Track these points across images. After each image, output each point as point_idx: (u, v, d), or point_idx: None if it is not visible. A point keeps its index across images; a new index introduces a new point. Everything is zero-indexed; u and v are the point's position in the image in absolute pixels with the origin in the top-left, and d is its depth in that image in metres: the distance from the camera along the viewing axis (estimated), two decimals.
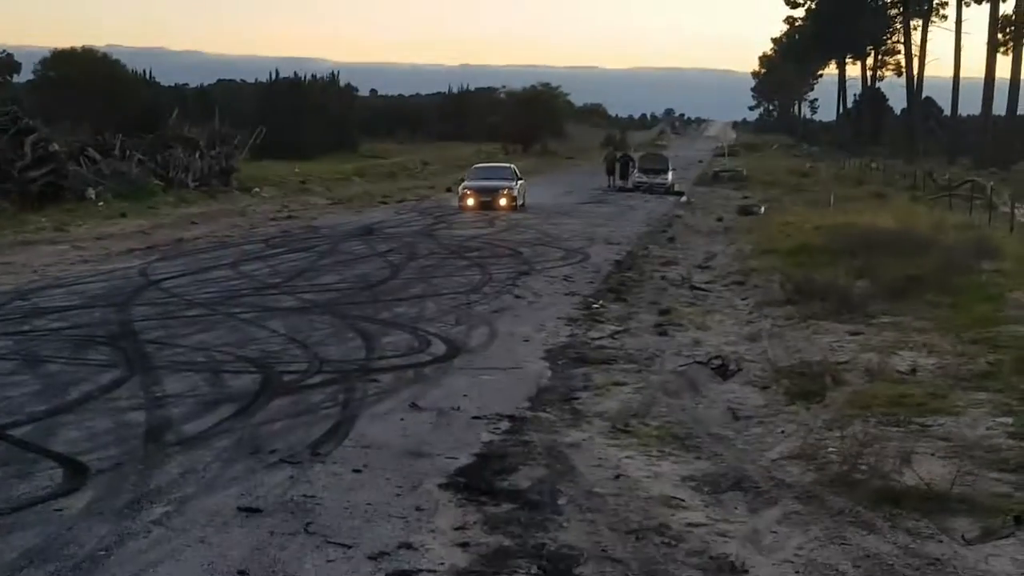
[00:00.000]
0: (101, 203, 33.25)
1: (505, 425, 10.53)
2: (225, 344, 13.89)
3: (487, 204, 37.86)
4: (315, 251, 25.19)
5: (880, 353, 13.66)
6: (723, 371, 13.11)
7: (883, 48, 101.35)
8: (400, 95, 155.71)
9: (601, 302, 18.71)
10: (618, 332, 15.94)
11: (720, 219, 36.93)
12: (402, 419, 10.59)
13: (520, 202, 39.27)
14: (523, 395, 11.78)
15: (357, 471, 8.91)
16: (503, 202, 38.03)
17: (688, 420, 11.01)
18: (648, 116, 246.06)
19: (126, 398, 11.09)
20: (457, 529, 7.77)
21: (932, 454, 9.47)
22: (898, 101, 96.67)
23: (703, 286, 21.02)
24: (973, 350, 13.80)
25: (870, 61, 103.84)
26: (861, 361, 13.23)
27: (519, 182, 40.48)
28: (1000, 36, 73.57)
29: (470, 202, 38.12)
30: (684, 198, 47.24)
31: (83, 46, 72.76)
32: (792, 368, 12.94)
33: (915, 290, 18.14)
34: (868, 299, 17.79)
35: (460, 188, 39.95)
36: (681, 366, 13.49)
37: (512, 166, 43.94)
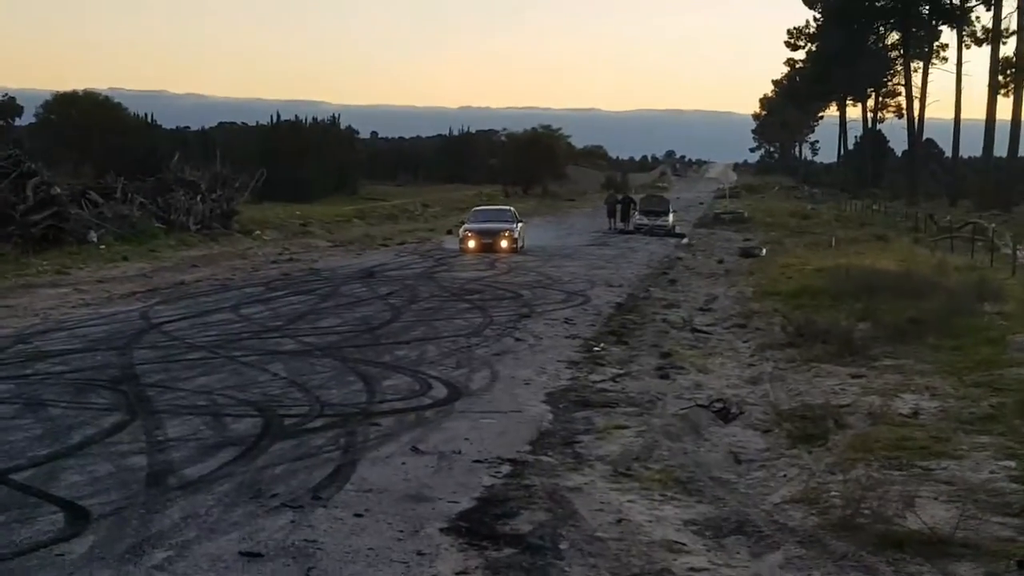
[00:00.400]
0: (103, 246, 33.31)
1: (506, 469, 10.50)
2: (226, 387, 13.87)
3: (488, 246, 37.96)
4: (316, 294, 25.20)
5: (882, 396, 13.64)
6: (725, 414, 13.09)
7: (884, 90, 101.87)
8: (401, 137, 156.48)
9: (602, 345, 18.69)
10: (619, 375, 15.92)
11: (721, 261, 36.98)
12: (403, 463, 10.57)
13: (521, 244, 39.38)
14: (524, 439, 11.76)
15: (358, 515, 8.88)
16: (504, 244, 38.27)
17: (690, 464, 10.98)
18: (649, 158, 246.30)
19: (128, 442, 11.06)
20: (459, 574, 7.75)
21: (935, 498, 9.44)
22: (899, 143, 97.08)
23: (704, 329, 21.02)
24: (976, 393, 13.77)
25: (871, 103, 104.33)
26: (863, 404, 13.21)
27: (519, 224, 40.64)
28: (1000, 78, 73.76)
29: (471, 244, 38.30)
30: (685, 240, 47.34)
31: (85, 89, 73.20)
32: (794, 411, 12.91)
33: (917, 333, 18.14)
34: (870, 342, 17.78)
35: (461, 231, 40.12)
36: (683, 409, 13.46)
37: (512, 208, 44.09)
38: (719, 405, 13.49)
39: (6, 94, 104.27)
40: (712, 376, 16.01)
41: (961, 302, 20.71)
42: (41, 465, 10.17)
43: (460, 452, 11.04)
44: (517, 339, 19.04)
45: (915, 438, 11.50)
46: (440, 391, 14.10)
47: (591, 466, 10.75)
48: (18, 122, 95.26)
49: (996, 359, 15.94)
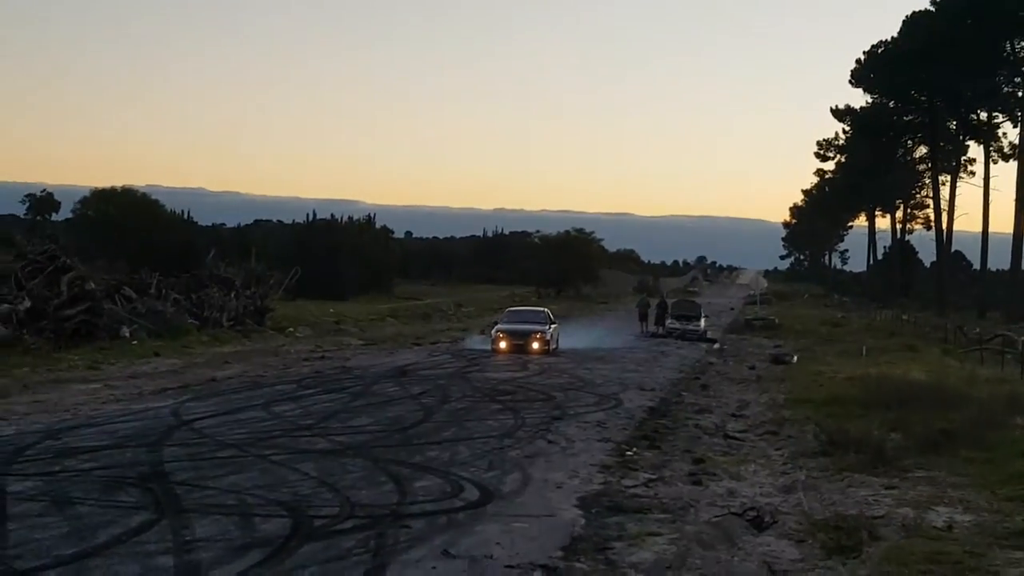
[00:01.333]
0: (135, 341, 33.46)
1: (539, 575, 10.41)
2: (256, 487, 13.81)
3: (520, 347, 37.98)
4: (348, 392, 25.18)
5: (916, 508, 13.52)
6: (758, 523, 12.95)
7: (912, 202, 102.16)
8: (435, 237, 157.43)
9: (635, 449, 18.58)
10: (652, 480, 15.80)
11: (753, 367, 36.86)
12: (434, 567, 10.47)
13: (553, 346, 39.24)
14: (556, 544, 11.65)
15: None
16: (535, 346, 38.11)
17: (723, 573, 10.86)
18: (680, 263, 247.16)
19: (155, 541, 11.00)
20: None
21: None
22: (928, 254, 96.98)
23: (737, 435, 20.89)
24: (1009, 507, 13.61)
25: (900, 214, 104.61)
26: (897, 516, 13.08)
27: (552, 326, 40.43)
28: None
29: (503, 345, 38.25)
30: (716, 345, 47.24)
31: (123, 186, 73.80)
32: (828, 521, 12.77)
33: (949, 444, 17.98)
34: (902, 452, 17.64)
35: (493, 331, 39.97)
36: (716, 517, 13.33)
37: (546, 310, 44.09)
38: (752, 513, 13.35)
39: (44, 190, 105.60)
40: (745, 483, 15.88)
41: (992, 414, 20.52)
42: (67, 564, 10.11)
43: (492, 557, 10.94)
44: (549, 441, 18.95)
45: (950, 552, 11.35)
46: (472, 493, 14.01)
47: (624, 574, 10.64)
48: (55, 217, 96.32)
49: None
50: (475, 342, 41.93)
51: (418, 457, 16.65)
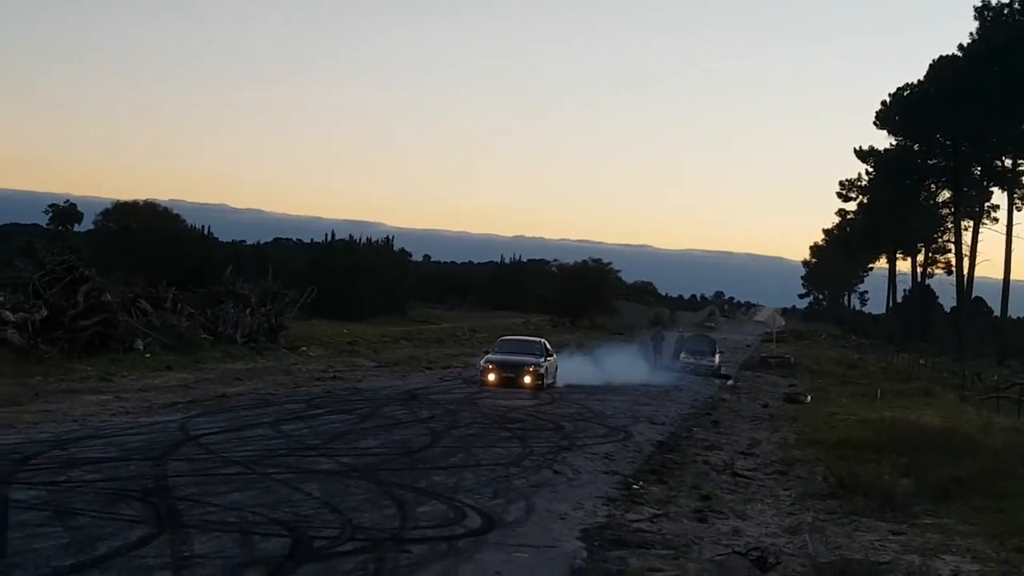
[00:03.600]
0: (148, 355, 33.48)
1: None
2: (258, 505, 13.76)
3: (510, 380, 34.96)
4: (357, 414, 25.15)
5: (922, 555, 13.40)
6: (762, 563, 12.84)
7: (934, 246, 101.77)
8: (453, 262, 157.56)
9: (641, 483, 18.48)
10: (657, 515, 15.70)
11: (765, 405, 36.71)
12: None
13: (549, 380, 36.31)
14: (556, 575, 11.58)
15: None
16: (527, 380, 35.07)
17: None
18: (698, 297, 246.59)
19: (153, 556, 10.95)
20: None
21: None
22: (948, 298, 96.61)
23: (745, 473, 20.76)
24: (1017, 558, 13.51)
25: (921, 258, 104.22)
26: (903, 563, 12.96)
27: (549, 359, 37.47)
28: None
29: (491, 377, 35.33)
30: (730, 381, 47.08)
31: (146, 199, 73.94)
32: (832, 565, 12.65)
33: (960, 492, 17.85)
34: (912, 498, 17.51)
35: (482, 361, 37.20)
36: (719, 555, 13.23)
37: (543, 341, 40.21)
38: (756, 554, 13.23)
39: (67, 201, 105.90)
40: (751, 522, 15.77)
41: (1006, 464, 20.35)
42: (64, 575, 10.08)
43: None
44: (556, 471, 18.86)
45: None
46: (474, 520, 13.94)
47: None
48: (77, 228, 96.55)
49: None
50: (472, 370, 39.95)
51: (423, 482, 16.59)
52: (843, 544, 14.16)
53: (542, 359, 36.72)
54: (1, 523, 11.93)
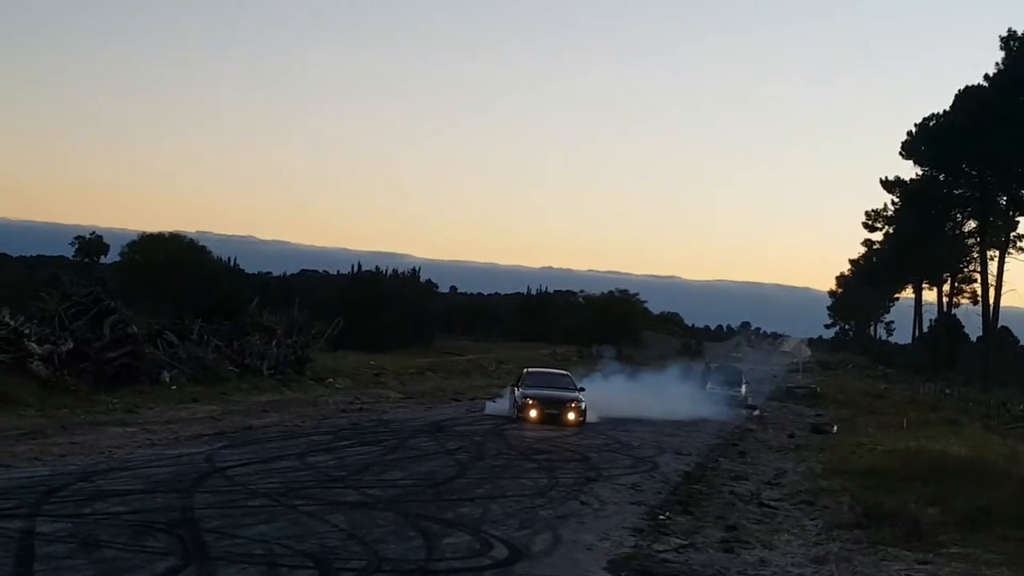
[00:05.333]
0: (175, 386, 33.55)
1: None
2: (285, 537, 13.77)
3: (553, 418, 33.38)
4: (383, 445, 25.15)
5: None
6: None
7: (960, 276, 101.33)
8: (480, 293, 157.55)
9: (668, 513, 18.46)
10: (683, 546, 15.69)
11: (792, 435, 36.63)
12: None
13: (584, 417, 34.16)
14: None
15: None
16: (571, 416, 33.53)
17: None
18: (724, 327, 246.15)
19: None
20: None
21: None
22: (974, 328, 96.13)
23: (772, 503, 20.72)
24: None
25: (946, 287, 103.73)
26: None
27: (582, 392, 35.73)
28: None
29: (533, 414, 33.53)
30: (757, 412, 46.92)
31: (172, 231, 74.28)
32: None
33: (986, 521, 17.78)
34: (938, 528, 17.45)
35: (517, 395, 34.95)
36: None
37: (568, 374, 39.41)
38: None
39: (94, 232, 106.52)
40: (777, 553, 15.74)
41: None
42: None
43: None
44: (582, 503, 18.87)
45: None
46: (501, 551, 13.95)
47: None
48: (103, 260, 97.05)
49: None
50: (495, 406, 37.68)
51: (449, 513, 16.60)
52: (870, 574, 14.14)
53: (578, 393, 35.28)
54: (27, 556, 11.98)
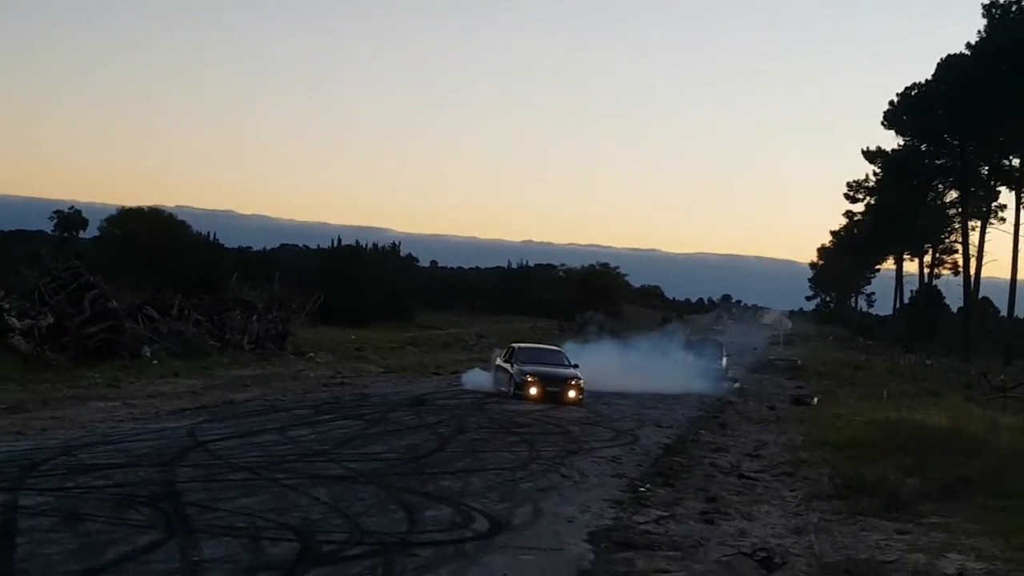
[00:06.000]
0: (156, 361, 33.50)
1: None
2: (267, 510, 13.78)
3: (554, 396, 32.15)
4: (365, 419, 25.15)
5: (928, 554, 13.45)
6: (768, 564, 12.88)
7: (941, 246, 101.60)
8: (460, 267, 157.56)
9: (648, 486, 18.53)
10: (664, 517, 15.75)
11: (772, 407, 36.75)
12: None
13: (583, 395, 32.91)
14: None
15: None
16: (572, 394, 32.37)
17: None
18: (705, 300, 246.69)
19: (162, 561, 10.98)
20: None
21: None
22: (955, 299, 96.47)
23: (752, 475, 20.81)
24: (1023, 556, 13.53)
25: (928, 258, 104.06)
26: (908, 561, 13.01)
27: (577, 368, 34.25)
28: None
29: (533, 391, 32.38)
30: (737, 384, 47.03)
31: (151, 206, 74.09)
32: (838, 565, 12.71)
33: (966, 491, 17.91)
34: (918, 498, 17.57)
35: (515, 372, 33.54)
36: (725, 556, 13.27)
37: (562, 349, 38.05)
38: (762, 554, 13.27)
39: (72, 207, 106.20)
40: (757, 524, 15.82)
41: (1012, 463, 20.38)
42: None
43: None
44: (563, 475, 18.92)
45: None
46: (482, 524, 13.99)
47: None
48: (82, 235, 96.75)
49: None
50: (473, 379, 37.49)
51: (431, 486, 16.64)
52: (849, 544, 14.21)
53: (576, 370, 34.00)
54: (9, 529, 11.98)
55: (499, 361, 35.87)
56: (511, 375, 33.73)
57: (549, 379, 32.86)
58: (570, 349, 39.61)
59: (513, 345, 37.61)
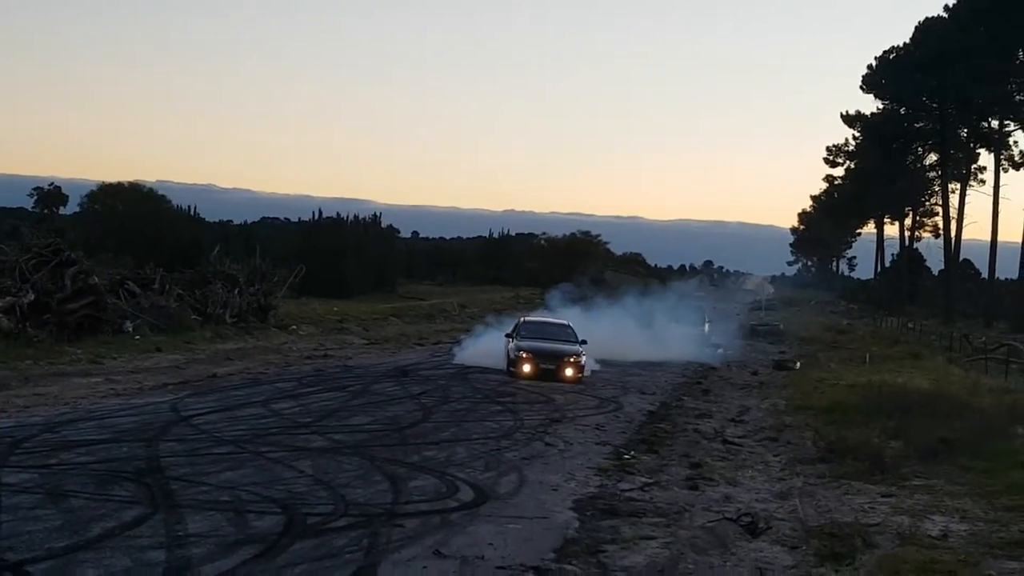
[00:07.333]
0: (138, 336, 33.41)
1: None
2: (251, 483, 13.78)
3: (550, 373, 30.17)
4: (348, 391, 25.14)
5: (912, 516, 13.50)
6: (752, 528, 12.92)
7: (921, 209, 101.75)
8: (442, 238, 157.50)
9: (632, 453, 18.57)
10: (648, 484, 15.80)
11: (755, 373, 36.86)
12: (425, 567, 10.45)
13: (586, 373, 31.25)
14: (549, 546, 11.64)
15: None
16: (569, 372, 30.24)
17: None
18: (687, 267, 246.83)
19: (147, 536, 10.97)
20: None
21: None
22: (936, 262, 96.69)
23: (736, 440, 20.87)
24: (1006, 517, 13.60)
25: (908, 222, 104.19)
26: (892, 524, 13.06)
27: (584, 344, 32.02)
28: None
29: (527, 368, 30.37)
30: (720, 350, 47.09)
31: (131, 181, 73.79)
32: (822, 528, 12.76)
33: (948, 453, 17.97)
34: (901, 460, 17.63)
35: (510, 347, 31.68)
36: (710, 522, 13.31)
37: (570, 324, 34.56)
38: (747, 519, 13.32)
39: (52, 183, 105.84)
40: (741, 489, 15.87)
41: (994, 424, 20.48)
42: (58, 557, 10.09)
43: (483, 557, 10.92)
44: (547, 444, 18.96)
45: (944, 561, 11.33)
46: (467, 494, 14.01)
47: None
48: (63, 211, 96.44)
49: None
50: (465, 351, 36.10)
51: (415, 457, 16.65)
52: (833, 507, 14.26)
53: (578, 346, 31.71)
54: None
55: (508, 336, 33.33)
56: (507, 351, 31.90)
57: (545, 355, 30.72)
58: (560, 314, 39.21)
59: (520, 319, 35.90)
